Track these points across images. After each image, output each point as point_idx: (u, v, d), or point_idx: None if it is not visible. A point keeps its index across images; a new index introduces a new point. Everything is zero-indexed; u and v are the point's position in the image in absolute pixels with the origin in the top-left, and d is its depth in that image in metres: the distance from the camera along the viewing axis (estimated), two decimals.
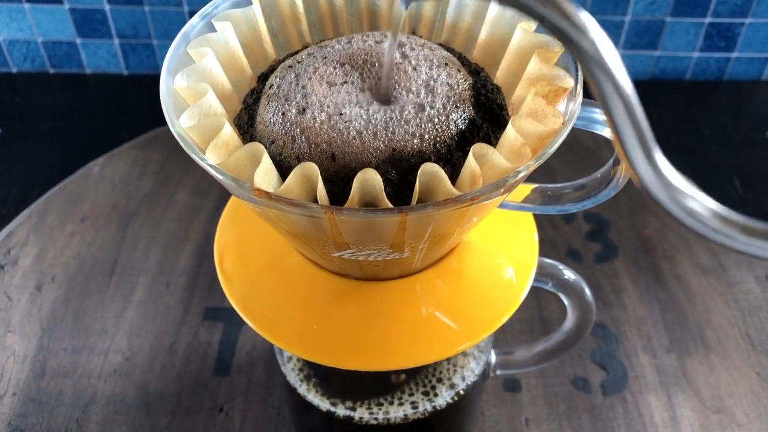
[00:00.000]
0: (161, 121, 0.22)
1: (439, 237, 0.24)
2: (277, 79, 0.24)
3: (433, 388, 0.34)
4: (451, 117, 0.22)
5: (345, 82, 0.23)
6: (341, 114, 0.22)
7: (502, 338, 0.46)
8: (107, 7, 0.66)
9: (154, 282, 0.50)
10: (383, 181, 0.20)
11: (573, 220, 0.54)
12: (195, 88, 0.23)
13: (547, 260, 0.34)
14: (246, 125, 0.24)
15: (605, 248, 0.52)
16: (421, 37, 0.27)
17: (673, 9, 0.65)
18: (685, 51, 0.68)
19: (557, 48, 0.24)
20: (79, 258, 0.51)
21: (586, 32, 0.16)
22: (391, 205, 0.20)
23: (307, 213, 0.21)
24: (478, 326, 0.28)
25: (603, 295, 0.49)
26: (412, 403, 0.34)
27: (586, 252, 0.52)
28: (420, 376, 0.34)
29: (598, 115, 0.24)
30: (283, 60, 0.26)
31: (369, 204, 0.21)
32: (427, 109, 0.22)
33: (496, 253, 0.30)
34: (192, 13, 0.65)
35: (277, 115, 0.23)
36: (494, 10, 0.26)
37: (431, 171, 0.20)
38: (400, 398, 0.34)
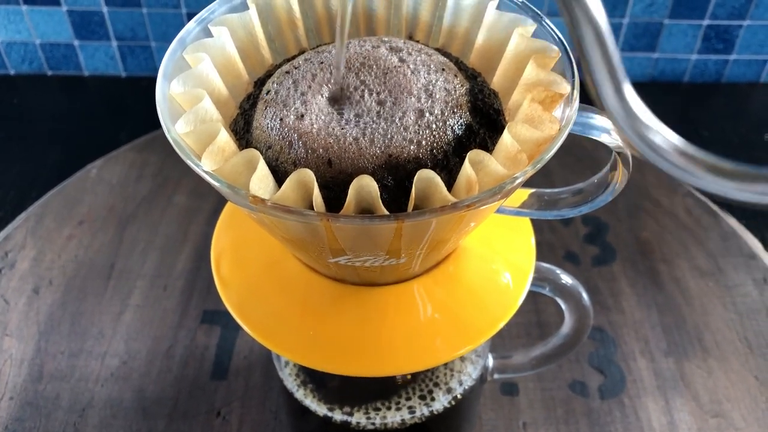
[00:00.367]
0: (159, 123, 0.22)
1: (436, 243, 0.24)
2: (275, 85, 0.24)
3: (431, 392, 0.34)
4: (448, 123, 0.22)
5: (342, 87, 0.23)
6: (338, 120, 0.22)
7: (500, 342, 0.46)
8: (105, 9, 0.65)
9: (152, 285, 0.50)
10: (379, 187, 0.20)
11: (571, 223, 0.54)
12: (191, 93, 0.23)
13: (545, 265, 0.34)
14: (242, 130, 0.24)
15: (603, 251, 0.52)
16: (418, 41, 0.27)
17: (671, 11, 0.65)
18: (684, 53, 0.68)
19: (554, 53, 0.24)
20: (77, 261, 0.51)
21: None
22: (387, 212, 0.20)
23: (302, 220, 0.21)
24: (475, 331, 0.28)
25: (601, 298, 0.49)
26: (410, 407, 0.34)
27: (584, 255, 0.52)
28: (417, 381, 0.34)
29: (596, 120, 0.24)
30: (280, 65, 0.26)
31: (365, 210, 0.20)
32: (426, 114, 0.22)
33: (493, 258, 0.30)
34: (190, 15, 0.65)
35: (274, 120, 0.23)
36: (491, 15, 0.26)
37: (427, 177, 0.20)
38: (398, 403, 0.34)
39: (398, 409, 0.34)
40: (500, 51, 0.25)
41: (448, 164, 0.22)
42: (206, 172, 0.21)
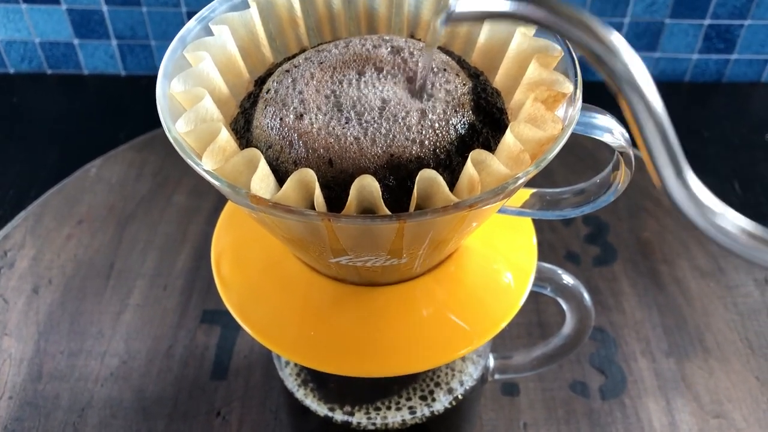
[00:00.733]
0: (159, 122, 0.22)
1: (438, 243, 0.24)
2: (275, 84, 0.24)
3: (431, 392, 0.34)
4: (450, 122, 0.22)
5: (342, 86, 0.23)
6: (338, 119, 0.22)
7: (501, 343, 0.46)
8: (105, 8, 0.65)
9: (152, 285, 0.50)
10: (381, 187, 0.20)
11: (572, 223, 0.54)
12: (191, 92, 0.23)
13: (546, 265, 0.34)
14: (243, 129, 0.24)
15: (604, 251, 0.52)
16: (419, 40, 0.27)
17: (672, 10, 0.65)
18: (685, 53, 0.68)
19: (557, 53, 0.24)
20: (76, 261, 0.51)
21: (618, 54, 0.17)
22: (388, 212, 0.20)
23: (304, 219, 0.20)
24: (476, 331, 0.28)
25: (601, 298, 0.49)
26: (410, 407, 0.34)
27: (585, 255, 0.52)
28: (418, 381, 0.34)
29: (598, 120, 0.24)
30: (281, 64, 0.26)
31: (366, 210, 0.20)
32: (428, 114, 0.22)
33: (495, 258, 0.30)
34: (190, 14, 0.65)
35: (274, 119, 0.23)
36: None
37: (429, 177, 0.20)
38: (398, 403, 0.34)
39: (399, 409, 0.33)
40: (502, 50, 0.25)
41: (450, 164, 0.22)
42: (207, 172, 0.21)
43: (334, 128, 0.22)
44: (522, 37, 0.24)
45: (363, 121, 0.22)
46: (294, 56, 0.26)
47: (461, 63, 0.25)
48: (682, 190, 0.17)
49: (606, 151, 0.25)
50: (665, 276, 0.50)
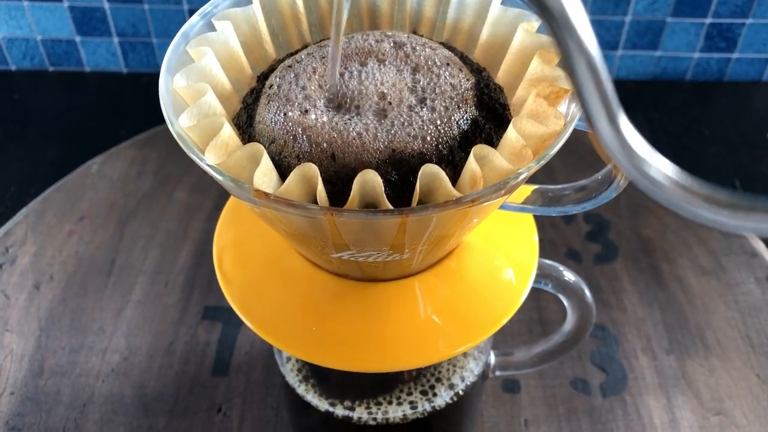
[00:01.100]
0: (160, 119, 0.22)
1: (440, 238, 0.24)
2: (277, 79, 0.24)
3: (432, 387, 0.34)
4: (453, 117, 0.22)
5: (344, 81, 0.23)
6: (342, 114, 0.22)
7: (502, 339, 0.46)
8: (107, 5, 0.65)
9: (153, 281, 0.50)
10: (383, 182, 0.20)
11: (573, 221, 0.54)
12: (194, 87, 0.23)
13: (547, 261, 0.34)
14: (245, 125, 0.24)
15: (605, 249, 0.52)
16: (422, 36, 0.27)
17: (673, 9, 0.65)
18: (686, 51, 0.68)
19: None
20: (77, 257, 0.51)
21: None
22: (391, 207, 0.20)
23: (306, 214, 0.20)
24: (477, 328, 0.28)
25: (602, 296, 0.49)
26: (411, 403, 0.34)
27: (586, 253, 0.52)
28: (419, 376, 0.34)
29: None
30: (283, 60, 0.26)
31: (369, 205, 0.20)
32: (431, 109, 0.22)
33: (496, 255, 0.30)
34: (192, 12, 0.65)
35: (278, 114, 0.23)
36: (496, 10, 0.26)
37: (432, 172, 0.20)
38: (399, 398, 0.34)
39: (400, 404, 0.33)
40: (504, 46, 0.25)
41: (453, 159, 0.22)
42: (210, 166, 0.21)
43: (337, 123, 0.22)
44: (524, 33, 0.25)
45: (366, 116, 0.22)
46: (296, 52, 0.26)
47: (464, 59, 0.25)
48: (613, 135, 0.16)
49: None
50: (666, 273, 0.51)
